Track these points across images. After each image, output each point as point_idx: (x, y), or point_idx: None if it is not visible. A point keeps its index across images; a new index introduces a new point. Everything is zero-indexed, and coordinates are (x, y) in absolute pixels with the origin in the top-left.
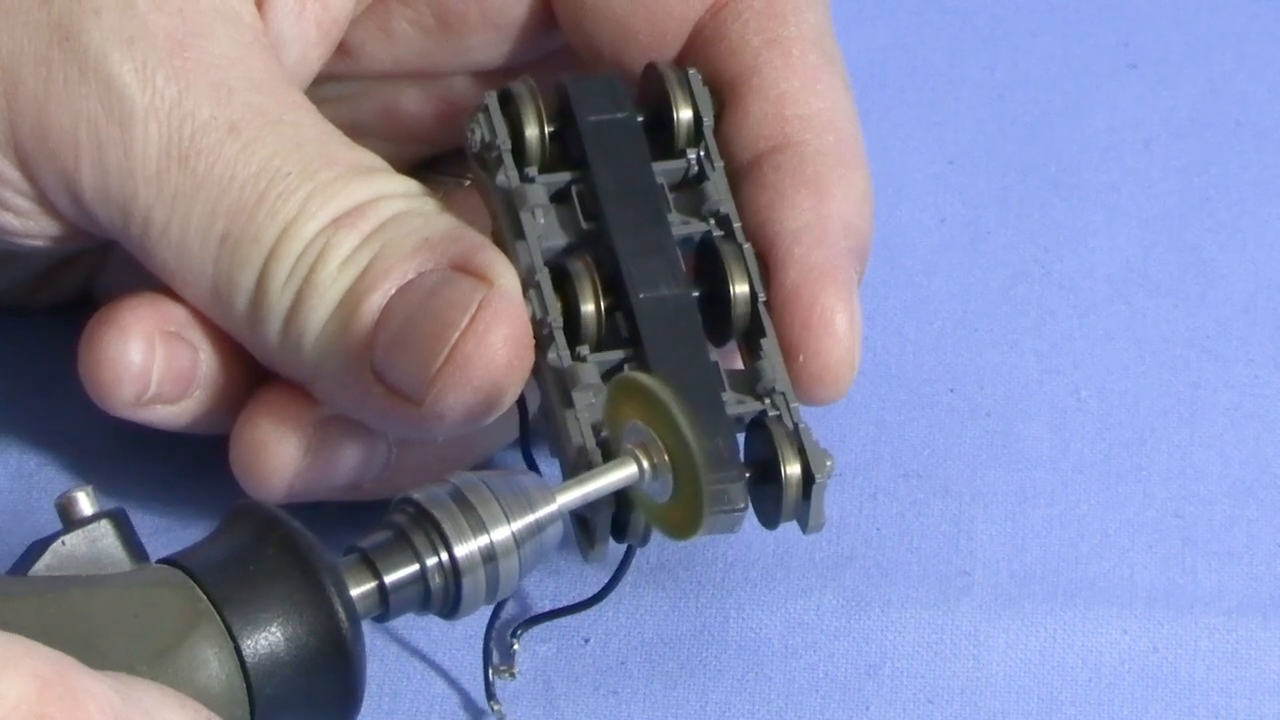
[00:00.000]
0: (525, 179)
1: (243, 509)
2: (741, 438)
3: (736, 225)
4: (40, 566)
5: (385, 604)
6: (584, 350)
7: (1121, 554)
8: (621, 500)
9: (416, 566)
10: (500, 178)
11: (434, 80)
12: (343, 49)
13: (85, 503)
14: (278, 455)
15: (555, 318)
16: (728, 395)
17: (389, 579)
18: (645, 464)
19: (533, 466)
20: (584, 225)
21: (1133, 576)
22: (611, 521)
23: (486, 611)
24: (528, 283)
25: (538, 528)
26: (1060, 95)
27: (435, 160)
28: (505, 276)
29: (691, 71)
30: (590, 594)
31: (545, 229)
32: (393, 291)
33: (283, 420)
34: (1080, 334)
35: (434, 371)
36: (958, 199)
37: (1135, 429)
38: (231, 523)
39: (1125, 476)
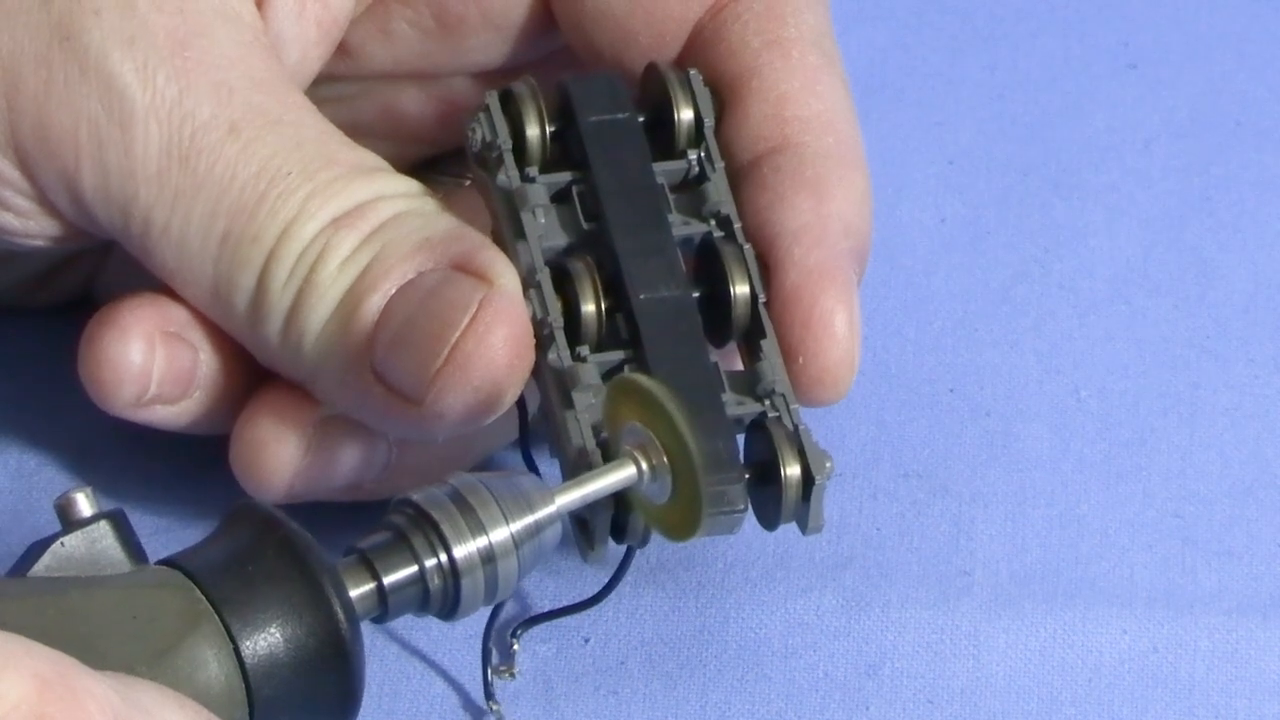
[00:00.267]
0: (526, 179)
1: (242, 510)
2: (741, 439)
3: (737, 226)
4: (39, 568)
5: (384, 605)
6: (584, 351)
7: (1121, 554)
8: (620, 501)
9: (415, 568)
10: (501, 177)
11: (434, 81)
12: (343, 49)
13: (84, 504)
14: (278, 455)
15: (555, 318)
16: (727, 396)
17: (388, 580)
18: (644, 465)
19: (532, 467)
20: (584, 225)
21: (1133, 576)
22: (611, 523)
23: (486, 612)
24: (528, 283)
25: (536, 529)
26: (1060, 95)
27: (435, 160)
28: (506, 276)
29: (693, 72)
30: (590, 594)
31: (546, 229)
32: (393, 291)
33: (283, 420)
34: (1080, 334)
35: (434, 371)
36: (958, 199)
37: (1135, 429)
38: (230, 524)
39: (1125, 476)
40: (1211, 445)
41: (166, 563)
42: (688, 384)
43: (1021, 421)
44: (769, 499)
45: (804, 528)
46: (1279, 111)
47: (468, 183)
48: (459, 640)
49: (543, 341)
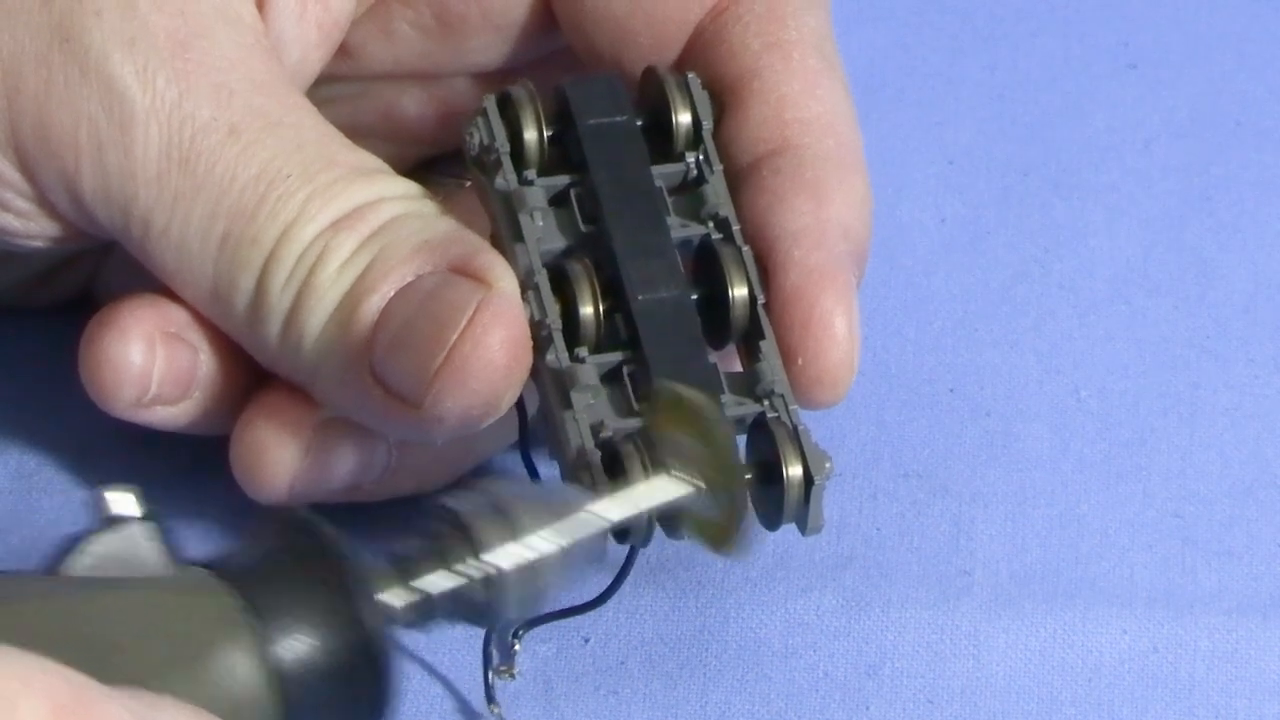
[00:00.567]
0: (524, 182)
1: (281, 515)
2: (742, 440)
3: (736, 228)
4: (76, 565)
5: (421, 615)
6: (582, 352)
7: (1121, 554)
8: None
9: (454, 579)
10: (499, 181)
11: (434, 81)
12: (343, 50)
13: (127, 502)
14: (277, 457)
15: (554, 320)
16: (727, 397)
17: (425, 591)
18: (695, 484)
19: (531, 468)
20: (583, 228)
21: (1133, 576)
22: None
23: None
24: (526, 285)
25: (578, 540)
26: (1060, 95)
27: (436, 161)
28: (504, 279)
29: (691, 75)
30: (592, 595)
31: (544, 231)
32: (391, 294)
33: (282, 422)
34: (1080, 334)
35: (432, 374)
36: (958, 199)
37: (1135, 429)
38: (268, 528)
39: (1125, 476)
40: (1211, 445)
41: (204, 565)
42: (687, 385)
43: (1021, 421)
44: (769, 500)
45: (804, 529)
46: (1279, 111)
47: (468, 184)
48: (459, 640)
49: (541, 343)
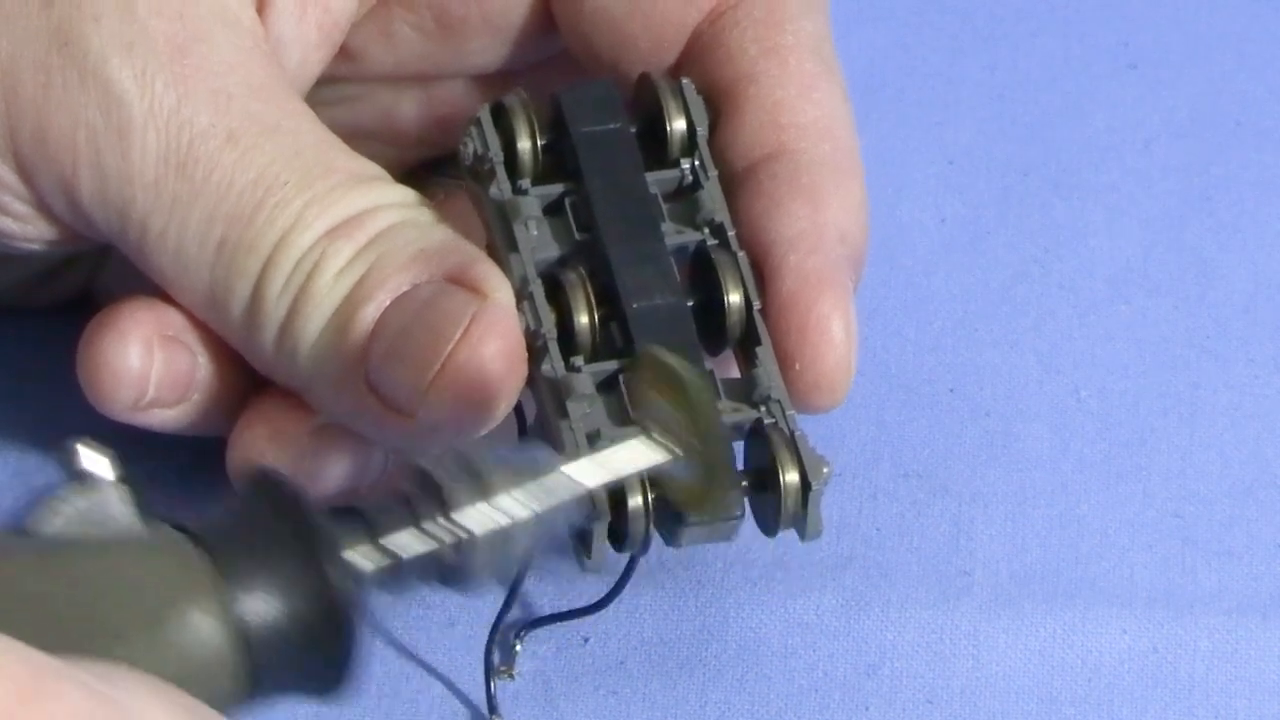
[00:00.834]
0: (518, 191)
1: (256, 476)
2: (739, 446)
3: (731, 234)
4: (48, 524)
5: (391, 576)
6: (578, 361)
7: (1121, 554)
8: (618, 509)
9: (424, 539)
10: (493, 190)
11: (434, 83)
12: (343, 52)
13: (101, 464)
14: (274, 461)
15: (549, 329)
16: (723, 404)
17: (395, 551)
18: (672, 448)
19: None
20: (577, 236)
21: (1133, 576)
22: (609, 531)
23: (488, 617)
24: (521, 294)
25: (551, 503)
26: (1060, 95)
27: (436, 162)
28: (499, 289)
29: (685, 81)
30: (593, 597)
31: (538, 240)
32: (387, 303)
33: (278, 427)
34: (1080, 334)
35: (426, 384)
36: (958, 199)
37: (1135, 429)
38: (244, 489)
39: (1125, 476)
40: (1211, 445)
41: (176, 526)
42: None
43: (1021, 421)
44: (767, 505)
45: (802, 534)
46: (1279, 111)
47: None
48: (459, 641)
49: (536, 353)
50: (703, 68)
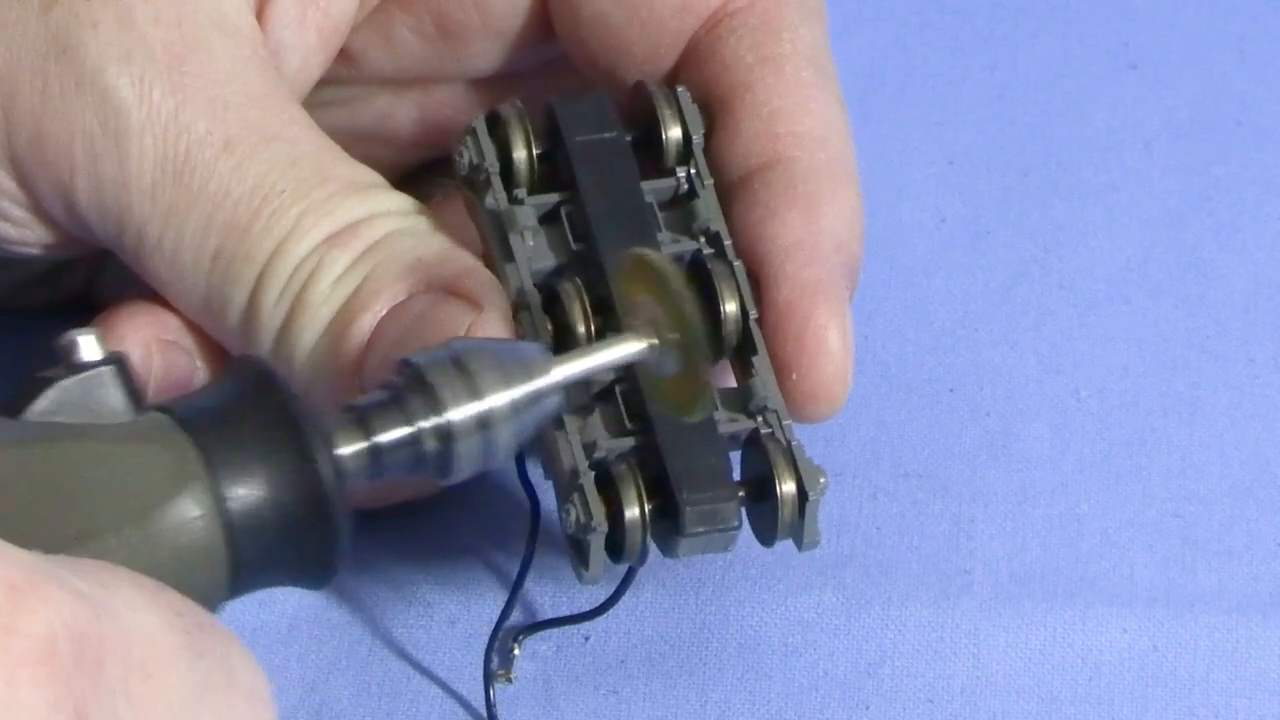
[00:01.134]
0: (514, 201)
1: (242, 364)
2: (736, 456)
3: (727, 243)
4: (37, 410)
5: (376, 465)
6: None
7: (1121, 553)
8: (616, 521)
9: (409, 430)
10: (489, 200)
11: (433, 86)
12: (344, 55)
13: (89, 347)
14: None
15: (546, 340)
16: (719, 413)
17: (381, 440)
18: (650, 340)
19: (526, 482)
20: (574, 246)
21: (1133, 576)
22: (607, 541)
23: (489, 616)
24: (518, 304)
25: (535, 397)
26: (1060, 95)
27: (436, 163)
28: (495, 301)
29: (680, 89)
30: (592, 600)
31: (534, 251)
32: (383, 313)
33: None
34: (1080, 334)
35: None
36: (958, 199)
37: (1135, 429)
38: (230, 376)
39: (1125, 476)
40: (1211, 445)
41: (163, 410)
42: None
43: (1021, 421)
44: (764, 515)
45: (799, 544)
46: (1279, 111)
47: None
48: (459, 641)
49: None
50: (699, 75)
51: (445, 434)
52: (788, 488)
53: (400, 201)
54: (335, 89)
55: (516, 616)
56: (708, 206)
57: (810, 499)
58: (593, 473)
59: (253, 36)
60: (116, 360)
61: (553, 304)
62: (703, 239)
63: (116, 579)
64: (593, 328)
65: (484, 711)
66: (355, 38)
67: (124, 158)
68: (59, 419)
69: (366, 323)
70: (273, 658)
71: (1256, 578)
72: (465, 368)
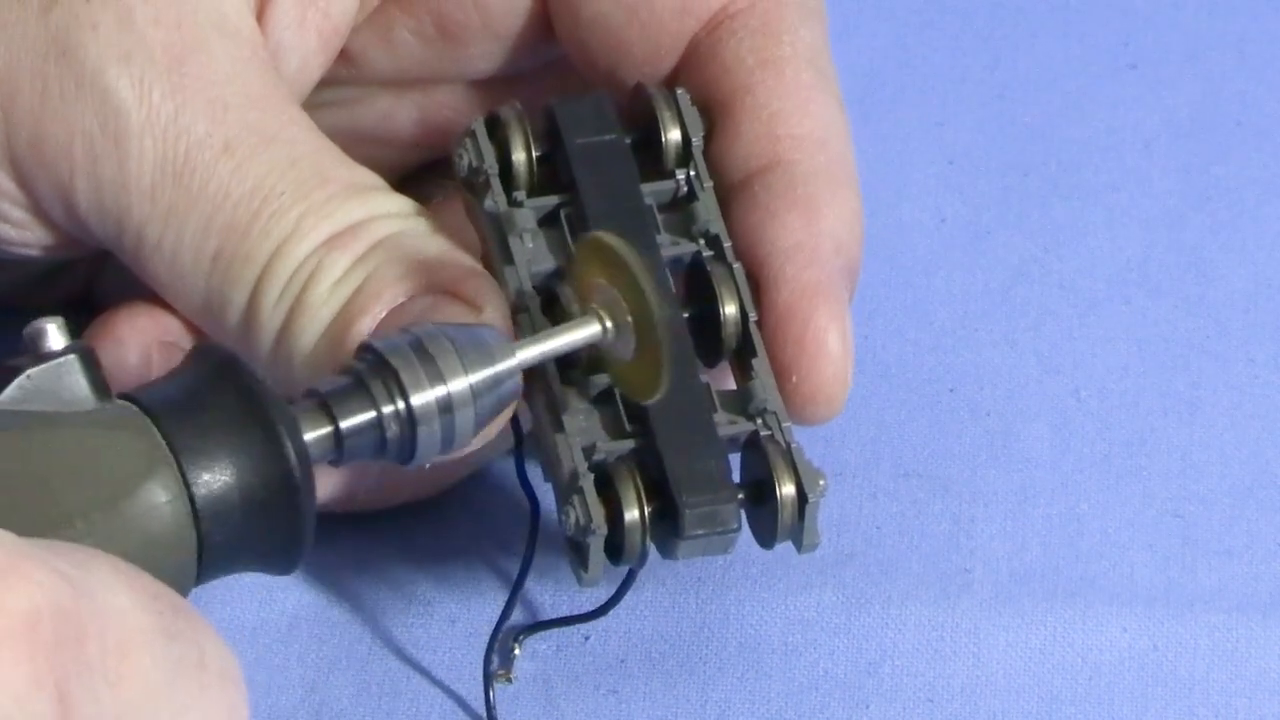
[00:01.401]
0: (513, 203)
1: (204, 351)
2: (736, 458)
3: (727, 245)
4: (6, 398)
5: (340, 449)
6: (575, 375)
7: (1121, 553)
8: (615, 523)
9: (372, 414)
10: (488, 202)
11: (434, 88)
12: (344, 56)
13: (54, 335)
14: None
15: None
16: (719, 416)
17: (344, 425)
18: (608, 323)
19: (526, 484)
20: (573, 248)
21: (1132, 575)
22: (606, 544)
23: (489, 617)
24: (517, 306)
25: (496, 381)
26: (1060, 95)
27: (436, 164)
28: (495, 303)
29: (680, 91)
30: (592, 601)
31: (534, 253)
32: (383, 315)
33: None
34: (1080, 334)
35: None
36: (958, 199)
37: (1135, 429)
38: (192, 363)
39: (1125, 476)
40: (1211, 445)
41: (128, 398)
42: (678, 404)
43: (1021, 421)
44: (764, 518)
45: (799, 546)
46: (1279, 111)
47: None
48: (459, 641)
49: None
50: (700, 78)
51: (408, 418)
52: (787, 490)
53: (400, 203)
54: (335, 90)
55: (516, 616)
56: (707, 209)
57: (810, 501)
58: (592, 475)
59: (252, 38)
60: (82, 349)
61: (552, 306)
62: (702, 241)
63: (95, 562)
64: None
65: (484, 711)
66: (355, 39)
67: (124, 159)
68: (27, 407)
69: (366, 325)
70: (273, 657)
71: (1256, 578)
72: (426, 352)
